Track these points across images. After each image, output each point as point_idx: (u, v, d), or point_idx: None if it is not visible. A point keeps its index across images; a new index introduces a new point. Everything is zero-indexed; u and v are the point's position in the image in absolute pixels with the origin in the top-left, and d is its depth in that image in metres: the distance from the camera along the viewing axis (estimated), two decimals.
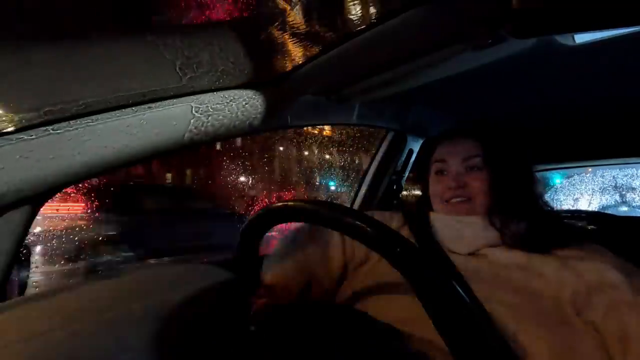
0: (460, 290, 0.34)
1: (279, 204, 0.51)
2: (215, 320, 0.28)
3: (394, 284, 0.68)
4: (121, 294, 0.31)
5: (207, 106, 0.70)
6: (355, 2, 0.56)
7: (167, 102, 0.65)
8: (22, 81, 0.48)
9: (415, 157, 1.46)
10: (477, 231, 0.71)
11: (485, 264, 0.67)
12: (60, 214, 4.15)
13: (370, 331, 0.42)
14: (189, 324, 0.26)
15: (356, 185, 1.51)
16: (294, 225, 0.80)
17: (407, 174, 1.47)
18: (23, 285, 0.63)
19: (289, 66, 0.75)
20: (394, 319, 0.61)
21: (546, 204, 0.76)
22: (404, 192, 1.46)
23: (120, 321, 0.26)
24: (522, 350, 0.51)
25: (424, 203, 0.86)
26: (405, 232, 0.83)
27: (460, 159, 0.76)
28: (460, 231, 0.72)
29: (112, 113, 0.58)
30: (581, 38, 0.68)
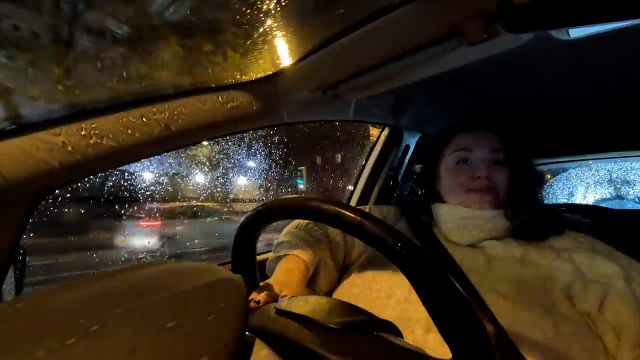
0: (457, 284, 0.35)
1: (280, 200, 0.51)
2: (215, 319, 0.28)
3: (391, 275, 0.69)
4: (121, 293, 0.31)
5: (205, 105, 0.69)
6: None
7: (165, 102, 0.64)
8: (20, 82, 0.48)
9: (412, 153, 1.47)
10: (488, 223, 0.72)
11: (483, 255, 0.68)
12: None
13: (367, 326, 0.42)
14: (188, 322, 0.26)
15: None
16: None
17: (403, 169, 1.47)
18: (20, 285, 0.63)
19: (285, 63, 0.75)
20: (391, 311, 0.62)
21: (542, 198, 0.79)
22: (402, 187, 1.46)
23: (121, 320, 0.26)
24: (518, 341, 0.52)
25: (429, 195, 0.86)
26: (402, 225, 0.84)
27: (489, 150, 0.76)
28: (466, 223, 0.73)
29: (113, 113, 0.58)
30: (576, 33, 0.68)
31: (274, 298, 0.53)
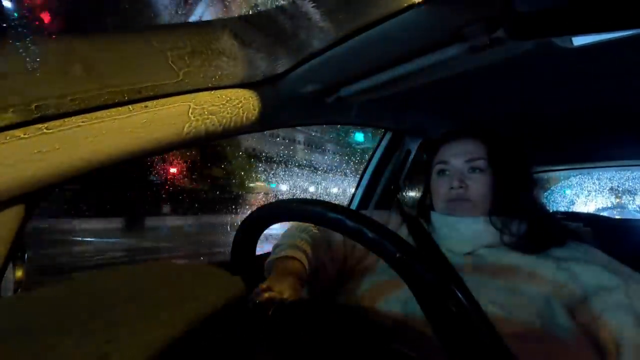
0: (458, 293, 0.34)
1: (282, 202, 0.51)
2: (214, 321, 0.28)
3: (392, 282, 0.68)
4: (119, 292, 0.31)
5: (205, 106, 0.69)
6: (354, 2, 0.56)
7: (164, 100, 0.64)
8: (13, 78, 0.48)
9: (413, 157, 1.47)
10: (476, 231, 0.72)
11: (482, 264, 0.68)
12: None
13: (367, 331, 0.42)
14: (187, 323, 0.26)
15: None
16: None
17: (404, 174, 1.47)
18: (18, 283, 0.62)
19: (287, 65, 0.75)
20: (392, 317, 0.61)
21: (543, 205, 0.77)
22: (402, 192, 1.46)
23: (117, 320, 0.26)
24: (516, 351, 0.52)
25: (425, 203, 0.87)
26: (403, 232, 0.84)
27: (464, 160, 0.76)
28: (460, 230, 0.73)
29: (107, 112, 0.58)
30: (579, 41, 0.68)
31: (274, 300, 0.53)
